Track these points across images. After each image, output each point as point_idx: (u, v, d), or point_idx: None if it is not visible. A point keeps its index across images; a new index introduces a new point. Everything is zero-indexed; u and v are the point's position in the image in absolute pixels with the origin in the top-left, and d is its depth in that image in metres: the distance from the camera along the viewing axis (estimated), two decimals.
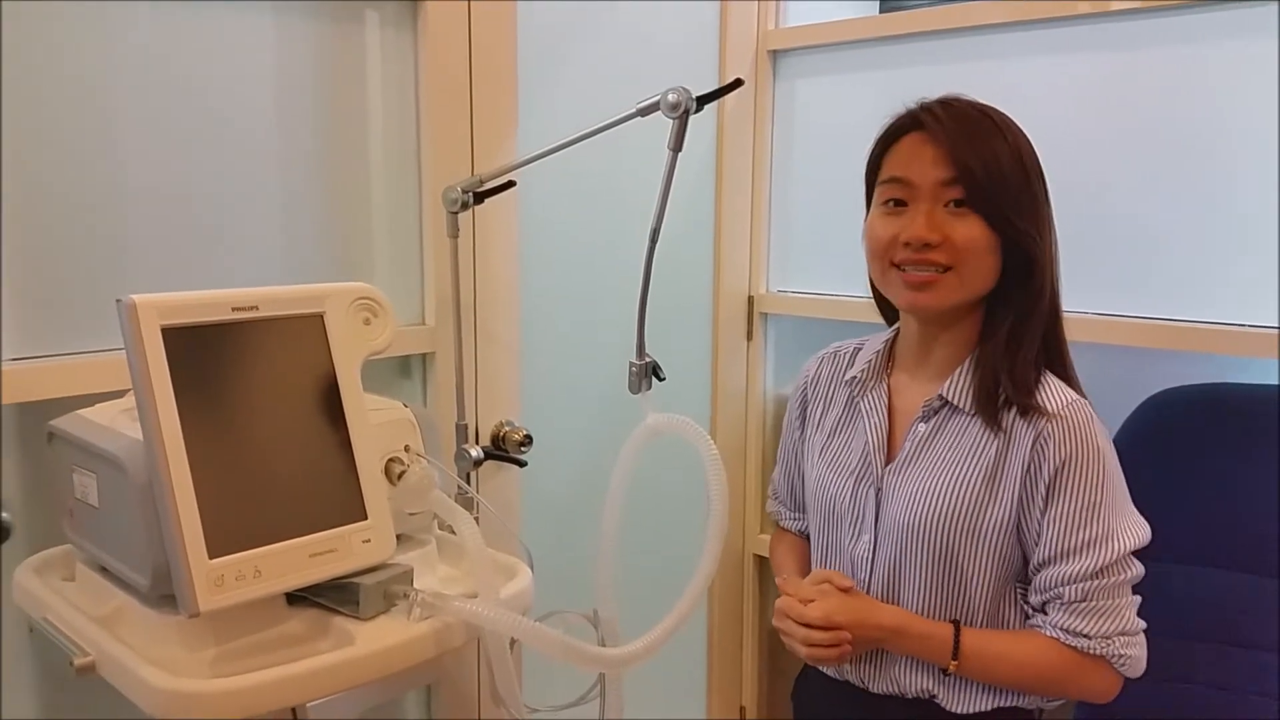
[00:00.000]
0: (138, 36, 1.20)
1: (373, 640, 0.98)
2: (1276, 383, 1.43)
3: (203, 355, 0.93)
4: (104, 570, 1.05)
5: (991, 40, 1.67)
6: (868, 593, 1.25)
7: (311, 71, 1.37)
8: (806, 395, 1.40)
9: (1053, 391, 1.17)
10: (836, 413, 1.32)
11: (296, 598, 1.02)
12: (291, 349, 1.00)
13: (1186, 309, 1.52)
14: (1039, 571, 1.19)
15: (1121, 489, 1.18)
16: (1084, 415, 1.16)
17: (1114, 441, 1.20)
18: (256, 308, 0.97)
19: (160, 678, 0.89)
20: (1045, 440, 1.14)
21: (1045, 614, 1.19)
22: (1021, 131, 1.19)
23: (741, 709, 2.18)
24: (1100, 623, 1.15)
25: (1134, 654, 1.17)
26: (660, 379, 1.24)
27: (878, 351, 1.31)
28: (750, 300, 2.02)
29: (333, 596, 1.02)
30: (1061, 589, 1.16)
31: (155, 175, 1.24)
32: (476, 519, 1.12)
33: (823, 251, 1.96)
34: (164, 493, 0.88)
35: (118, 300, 0.90)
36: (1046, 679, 1.18)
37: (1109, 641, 1.15)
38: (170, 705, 0.89)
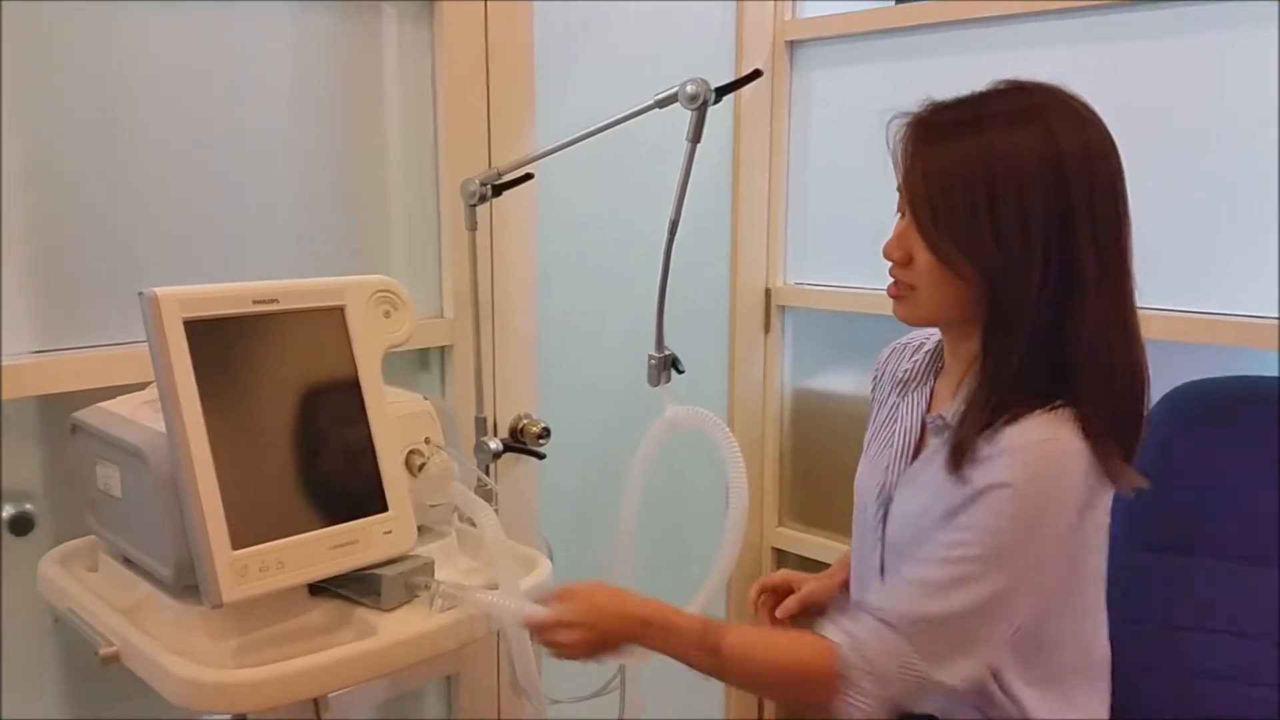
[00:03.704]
0: (154, 31, 1.21)
1: (395, 631, 0.99)
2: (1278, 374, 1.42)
3: (224, 348, 0.94)
4: (127, 561, 1.06)
5: (1009, 31, 1.66)
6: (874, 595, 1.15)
7: (329, 64, 1.37)
8: (874, 386, 1.31)
9: (1023, 428, 1.00)
10: (888, 409, 1.24)
11: (318, 589, 1.03)
12: (312, 341, 1.01)
13: (1185, 300, 1.51)
14: None
15: (1030, 553, 0.97)
16: (1039, 455, 0.97)
17: None
18: (277, 300, 0.98)
19: (184, 668, 0.89)
20: (983, 461, 1.00)
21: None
22: (1034, 137, 0.99)
23: (760, 704, 2.18)
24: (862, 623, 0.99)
25: (862, 685, 0.96)
26: (679, 372, 1.24)
27: (929, 351, 1.21)
28: (767, 293, 2.01)
29: (355, 588, 1.03)
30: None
31: (174, 170, 1.25)
32: (496, 511, 1.12)
33: (841, 244, 1.96)
34: (187, 484, 0.89)
35: (140, 293, 0.91)
36: (779, 673, 1.03)
37: (851, 639, 0.98)
38: (194, 695, 0.90)
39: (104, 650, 0.97)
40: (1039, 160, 0.98)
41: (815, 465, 2.07)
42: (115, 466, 1.01)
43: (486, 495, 1.35)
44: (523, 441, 1.58)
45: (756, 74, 1.12)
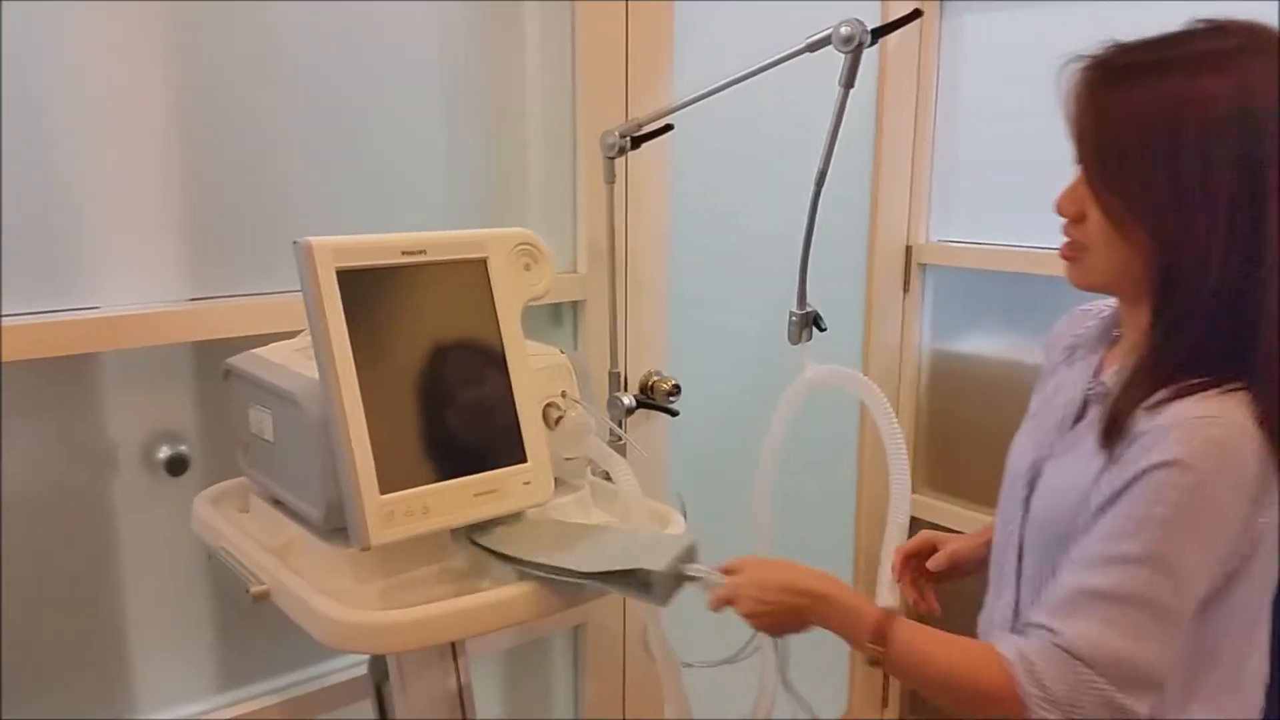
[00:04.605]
0: None
1: (532, 580, 0.99)
2: None
3: (374, 297, 0.94)
4: (277, 503, 1.09)
5: None
6: (1012, 570, 1.09)
7: (470, 17, 1.36)
8: (1046, 353, 1.21)
9: (1188, 405, 0.90)
10: (1054, 378, 1.14)
11: (477, 546, 1.03)
12: (456, 293, 1.01)
13: None
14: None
15: (1202, 545, 0.89)
16: (1205, 434, 0.88)
17: None
18: (424, 251, 0.98)
19: (334, 608, 0.91)
20: (1139, 436, 0.91)
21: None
22: (1226, 85, 0.88)
23: (884, 692, 2.15)
24: (1062, 621, 0.90)
25: (1045, 713, 0.89)
26: (821, 329, 1.20)
27: (1105, 318, 1.12)
28: (908, 250, 1.94)
29: (622, 583, 0.97)
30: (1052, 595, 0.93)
31: (323, 124, 1.27)
32: None
33: (991, 198, 1.86)
34: (340, 430, 0.90)
35: (295, 242, 0.92)
36: (950, 679, 0.96)
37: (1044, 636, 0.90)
38: (342, 635, 0.92)
39: (255, 589, 1.00)
40: (1229, 111, 0.88)
41: (954, 431, 2.01)
42: (268, 411, 1.04)
43: (621, 450, 1.34)
44: (652, 398, 1.57)
45: (916, 14, 1.07)
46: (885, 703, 2.16)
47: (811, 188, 1.15)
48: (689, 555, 0.97)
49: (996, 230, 1.86)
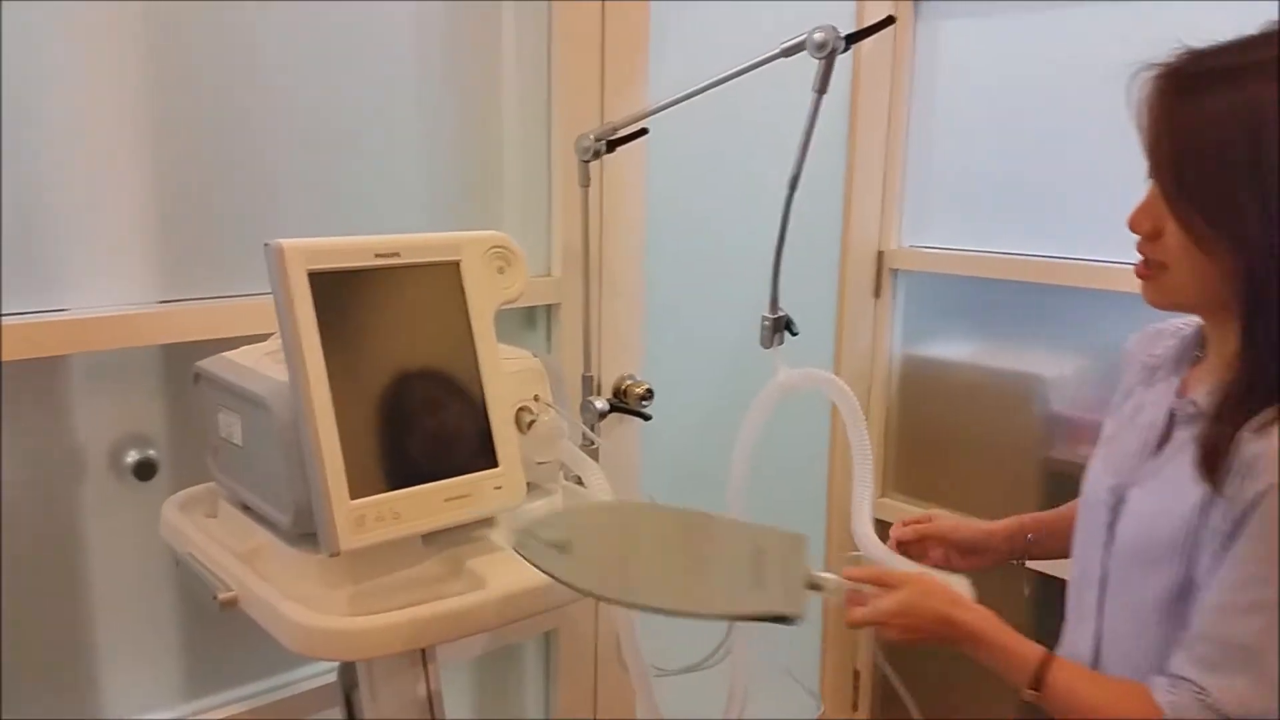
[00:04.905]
0: None
1: (505, 585, 0.99)
2: None
3: (346, 300, 0.94)
4: (245, 508, 1.08)
5: None
6: (1094, 600, 1.06)
7: (446, 20, 1.36)
8: (1122, 373, 1.17)
9: None
10: (1132, 400, 1.09)
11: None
12: (428, 296, 1.00)
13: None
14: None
15: None
16: None
17: None
18: (398, 254, 0.97)
19: (302, 614, 0.91)
20: (1252, 462, 0.88)
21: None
22: None
23: (855, 673, 2.16)
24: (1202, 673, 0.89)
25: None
26: (793, 334, 1.20)
27: (1185, 337, 1.07)
28: (880, 255, 1.95)
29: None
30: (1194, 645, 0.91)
31: (297, 125, 1.26)
32: None
33: (964, 204, 1.88)
34: (309, 433, 0.89)
35: (266, 244, 0.91)
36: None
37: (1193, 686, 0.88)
38: (310, 642, 0.92)
39: (223, 595, 0.99)
40: None
41: (923, 435, 2.02)
42: (237, 415, 1.03)
43: (593, 454, 1.34)
44: (625, 402, 1.57)
45: (889, 21, 1.07)
46: (856, 706, 2.17)
47: (784, 192, 1.16)
48: (801, 559, 0.96)
49: (968, 236, 1.87)
